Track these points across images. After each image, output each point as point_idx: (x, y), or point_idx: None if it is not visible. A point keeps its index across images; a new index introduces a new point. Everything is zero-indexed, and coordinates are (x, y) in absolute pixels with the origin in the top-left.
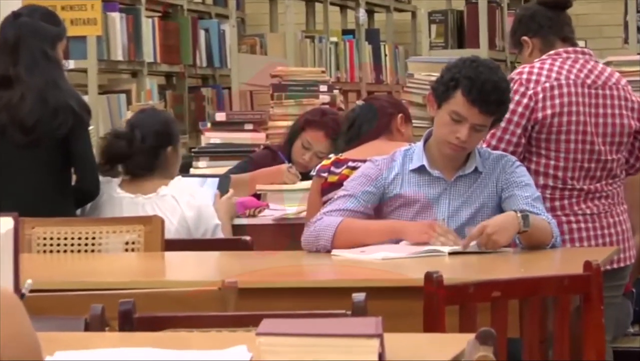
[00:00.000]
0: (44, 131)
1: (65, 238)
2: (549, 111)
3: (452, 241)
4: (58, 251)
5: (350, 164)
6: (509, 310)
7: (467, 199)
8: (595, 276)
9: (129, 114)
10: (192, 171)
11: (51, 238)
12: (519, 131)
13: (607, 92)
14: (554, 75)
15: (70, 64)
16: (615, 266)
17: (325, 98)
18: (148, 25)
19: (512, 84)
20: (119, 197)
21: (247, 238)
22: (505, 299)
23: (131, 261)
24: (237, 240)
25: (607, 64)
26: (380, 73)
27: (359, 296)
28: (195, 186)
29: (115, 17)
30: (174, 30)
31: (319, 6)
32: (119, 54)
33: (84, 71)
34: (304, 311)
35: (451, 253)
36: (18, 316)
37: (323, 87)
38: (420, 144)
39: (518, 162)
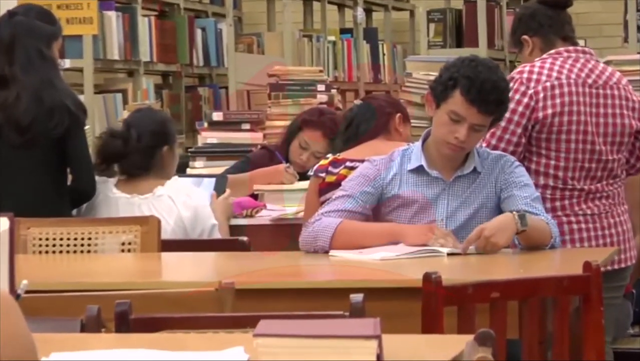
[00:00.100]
0: (40, 131)
1: (61, 239)
2: (549, 111)
3: (451, 243)
4: (54, 252)
5: (348, 164)
6: (508, 311)
7: (466, 199)
8: (595, 276)
9: (125, 114)
10: (188, 171)
11: (47, 239)
12: (519, 130)
13: (608, 91)
14: (554, 74)
15: (66, 63)
16: (615, 267)
17: (323, 98)
18: (144, 24)
19: (512, 84)
20: (115, 197)
21: (244, 238)
22: (505, 300)
23: (127, 262)
24: (234, 241)
25: (607, 63)
26: (379, 72)
27: (357, 297)
28: (191, 186)
29: (112, 16)
30: (170, 29)
31: (316, 5)
32: (115, 53)
33: (80, 70)
34: (302, 312)
35: (450, 254)
36: (13, 317)
37: (321, 87)
38: (418, 144)
39: (517, 163)
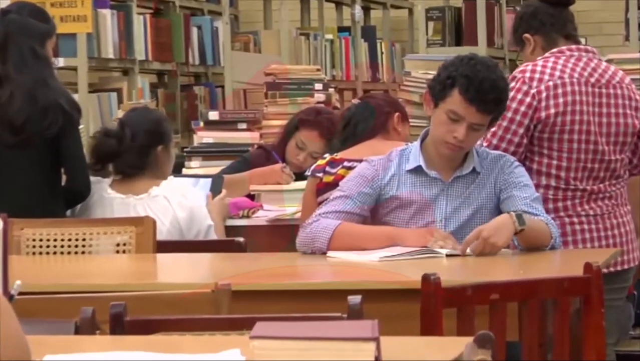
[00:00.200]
0: (34, 131)
1: (55, 240)
2: (552, 110)
3: (450, 245)
4: (47, 253)
5: (346, 164)
6: (507, 313)
7: (465, 200)
8: (596, 278)
9: (120, 113)
10: (184, 171)
11: (40, 240)
12: (521, 130)
13: (611, 91)
14: (557, 73)
15: (60, 61)
16: (618, 268)
17: (320, 97)
18: (139, 23)
19: (514, 83)
20: (109, 197)
21: (241, 239)
22: (504, 301)
23: (122, 263)
24: (230, 241)
25: (608, 61)
26: (377, 71)
27: (355, 299)
28: (187, 186)
29: (106, 14)
30: (165, 27)
31: (314, 3)
32: (109, 52)
33: (74, 69)
34: (299, 314)
35: (449, 255)
36: (6, 318)
37: (318, 86)
38: (416, 144)
39: (517, 163)
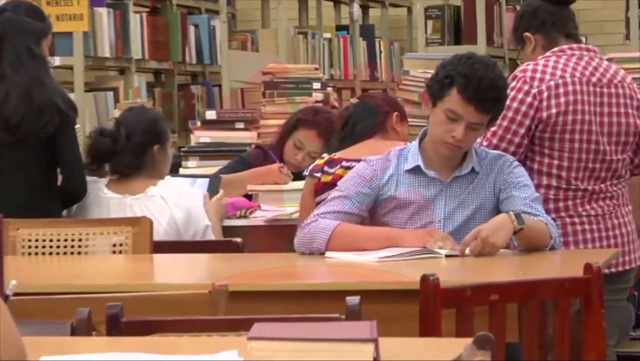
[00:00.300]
0: (30, 130)
1: (51, 240)
2: (553, 110)
3: (449, 246)
4: (43, 253)
5: (344, 163)
6: (507, 314)
7: (464, 200)
8: (596, 278)
9: (116, 113)
10: (181, 171)
11: (36, 240)
12: (522, 131)
13: (613, 90)
14: (558, 73)
15: (56, 60)
16: (620, 268)
17: (318, 96)
18: (136, 21)
19: (515, 82)
20: (106, 197)
21: (238, 239)
22: (504, 302)
23: (119, 264)
24: (228, 242)
25: (608, 60)
26: (375, 70)
27: (353, 300)
28: (184, 186)
29: (102, 12)
30: (162, 26)
31: (311, 1)
32: (106, 51)
33: (70, 67)
34: (297, 315)
35: (448, 256)
36: (2, 319)
37: (316, 85)
38: (415, 143)
39: (516, 163)
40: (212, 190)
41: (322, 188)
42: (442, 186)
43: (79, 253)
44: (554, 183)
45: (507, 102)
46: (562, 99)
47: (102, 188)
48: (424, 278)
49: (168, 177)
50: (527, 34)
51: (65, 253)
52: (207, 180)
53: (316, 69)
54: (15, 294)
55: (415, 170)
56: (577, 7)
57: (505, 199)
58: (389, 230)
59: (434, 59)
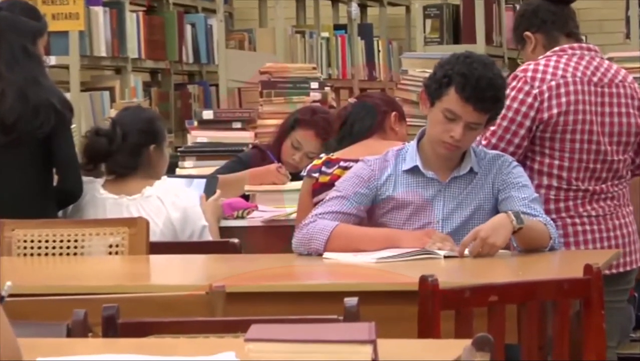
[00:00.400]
0: (25, 130)
1: (47, 241)
2: (554, 111)
3: (448, 247)
4: (39, 254)
5: (342, 164)
6: (506, 315)
7: (462, 201)
8: (596, 279)
9: (112, 112)
10: (178, 171)
11: (32, 241)
12: (522, 132)
13: (614, 90)
14: (559, 72)
15: (52, 60)
16: (621, 270)
17: (316, 95)
18: (132, 20)
19: (516, 82)
20: (102, 198)
21: (236, 240)
22: (503, 303)
23: (115, 265)
24: (225, 243)
25: (609, 60)
26: (374, 69)
27: (351, 301)
28: (180, 187)
29: (99, 11)
30: (159, 25)
31: (309, 0)
32: (102, 50)
33: (66, 67)
34: (294, 316)
35: (447, 256)
36: None
37: (314, 84)
38: (413, 143)
39: (515, 163)
40: (209, 190)
41: (319, 189)
42: (440, 187)
43: (75, 253)
44: (554, 183)
45: (507, 102)
46: (564, 99)
47: (98, 188)
48: (423, 279)
49: (164, 178)
50: (528, 33)
51: (61, 254)
52: (204, 180)
53: (314, 68)
54: (11, 295)
55: (414, 170)
56: (577, 6)
57: (504, 200)
58: (387, 231)
59: (432, 59)
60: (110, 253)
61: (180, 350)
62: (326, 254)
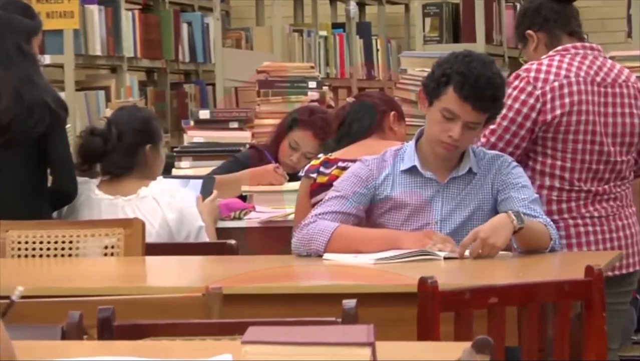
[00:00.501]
0: (20, 129)
1: (41, 242)
2: (558, 112)
3: (449, 248)
4: (33, 256)
5: (340, 164)
6: (506, 317)
7: (461, 201)
8: (597, 281)
9: (107, 112)
10: (174, 171)
11: (26, 242)
12: (521, 132)
13: (617, 90)
14: (563, 72)
15: (46, 59)
16: (624, 271)
17: (314, 95)
18: (128, 19)
19: (518, 82)
20: (97, 198)
21: (232, 241)
22: (503, 305)
23: (110, 266)
24: (222, 244)
25: (610, 59)
26: (372, 69)
27: (350, 303)
28: (176, 187)
29: (94, 10)
30: (155, 23)
31: None
32: (97, 49)
33: (61, 66)
34: (292, 318)
35: (446, 258)
36: None
37: (312, 84)
38: (411, 143)
39: (515, 163)
40: (206, 191)
41: (318, 189)
42: (439, 187)
43: (70, 255)
44: (557, 184)
45: (509, 101)
46: (567, 100)
47: (93, 188)
48: (422, 281)
49: (160, 178)
50: (530, 31)
51: (55, 255)
52: (200, 181)
53: (312, 67)
54: (3, 297)
55: (412, 170)
56: (578, 5)
57: (504, 201)
58: (388, 232)
59: (432, 57)
60: (105, 254)
61: (176, 353)
62: (325, 255)
